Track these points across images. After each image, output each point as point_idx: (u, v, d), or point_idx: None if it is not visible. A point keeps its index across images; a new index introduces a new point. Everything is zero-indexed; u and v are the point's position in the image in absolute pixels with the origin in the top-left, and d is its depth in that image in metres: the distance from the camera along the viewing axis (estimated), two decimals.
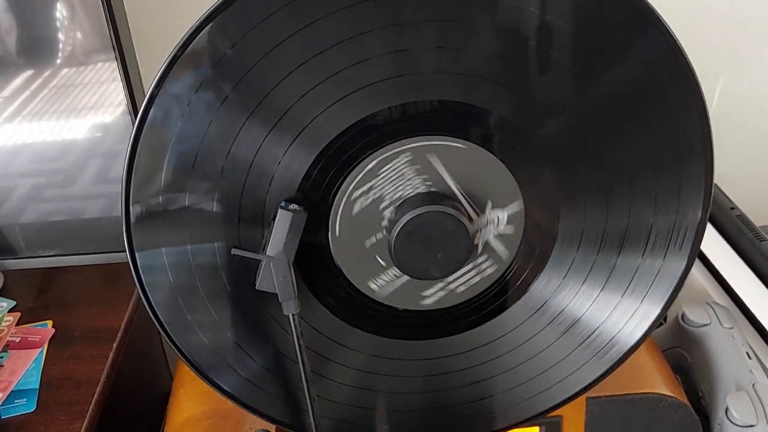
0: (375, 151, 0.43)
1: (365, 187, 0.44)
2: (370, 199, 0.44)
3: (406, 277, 0.46)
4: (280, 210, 0.42)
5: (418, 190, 0.44)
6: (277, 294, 0.43)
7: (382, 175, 0.44)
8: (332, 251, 0.45)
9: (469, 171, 0.44)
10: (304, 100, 0.41)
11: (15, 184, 0.65)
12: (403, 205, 0.44)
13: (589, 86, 0.42)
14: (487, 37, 0.41)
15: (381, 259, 0.46)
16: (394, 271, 0.46)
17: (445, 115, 0.42)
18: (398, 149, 0.43)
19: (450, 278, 0.46)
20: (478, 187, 0.44)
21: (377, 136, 0.42)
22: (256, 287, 0.44)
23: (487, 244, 0.46)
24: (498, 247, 0.46)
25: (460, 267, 0.44)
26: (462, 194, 0.44)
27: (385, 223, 0.45)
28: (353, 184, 0.44)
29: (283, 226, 0.42)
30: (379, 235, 0.45)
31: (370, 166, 0.43)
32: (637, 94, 0.42)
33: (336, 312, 0.47)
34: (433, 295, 0.47)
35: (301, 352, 0.45)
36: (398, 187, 0.44)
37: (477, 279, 0.47)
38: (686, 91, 0.42)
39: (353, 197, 0.44)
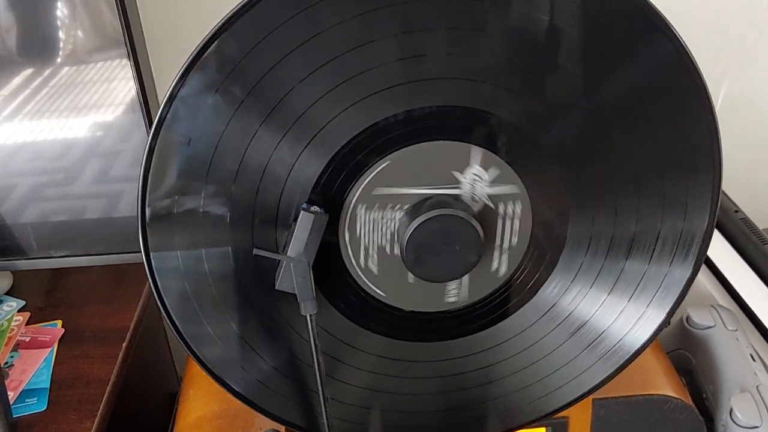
0: (385, 156, 0.43)
1: (374, 193, 0.44)
2: (378, 205, 0.45)
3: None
4: (302, 212, 0.43)
5: (425, 194, 0.45)
6: (293, 294, 0.44)
7: (390, 182, 0.44)
8: (343, 255, 0.46)
9: (430, 166, 0.44)
10: (317, 105, 0.42)
11: (25, 182, 0.65)
12: (412, 210, 0.44)
13: (597, 91, 0.42)
14: (496, 43, 0.41)
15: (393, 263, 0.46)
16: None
17: (453, 119, 0.43)
18: (405, 154, 0.43)
19: (498, 241, 0.46)
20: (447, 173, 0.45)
21: (387, 140, 0.43)
22: (276, 287, 0.44)
23: (493, 196, 0.45)
24: (502, 189, 0.45)
25: (472, 267, 0.45)
26: (434, 188, 0.45)
27: (395, 228, 0.45)
28: (363, 190, 0.44)
29: (304, 227, 0.43)
30: (391, 241, 0.46)
31: (378, 172, 0.44)
32: (645, 98, 0.42)
33: (347, 314, 0.48)
34: (501, 265, 0.47)
35: (317, 353, 0.45)
36: (406, 192, 0.44)
37: (517, 223, 0.46)
38: (694, 96, 0.42)
39: (363, 203, 0.45)
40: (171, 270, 0.45)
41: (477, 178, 0.44)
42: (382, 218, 0.45)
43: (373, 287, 0.47)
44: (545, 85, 0.42)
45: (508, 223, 0.46)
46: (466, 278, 0.47)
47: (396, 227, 0.45)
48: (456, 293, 0.48)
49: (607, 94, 0.42)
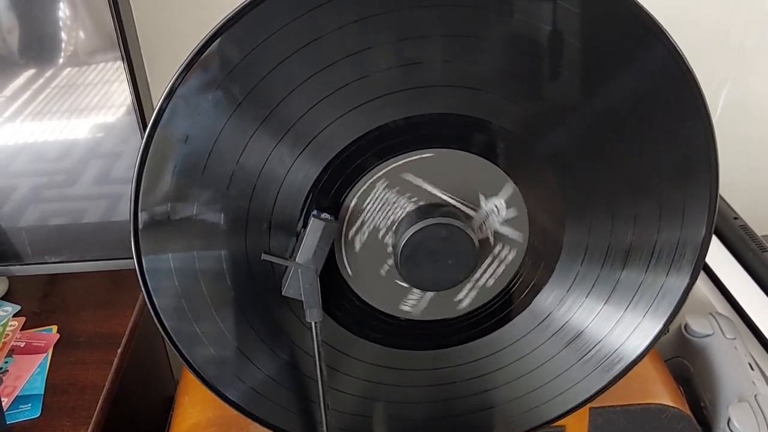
0: (381, 163, 0.43)
1: (359, 222, 0.44)
2: (366, 233, 0.45)
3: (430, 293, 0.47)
4: (312, 218, 0.43)
5: (408, 209, 0.45)
6: (299, 300, 0.44)
7: (370, 206, 0.44)
8: (338, 262, 0.46)
9: (463, 178, 0.44)
10: (314, 110, 0.41)
11: (25, 183, 0.65)
12: (400, 227, 0.44)
13: (594, 99, 0.42)
14: (494, 51, 0.41)
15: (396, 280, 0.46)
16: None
17: (451, 127, 0.43)
18: (397, 165, 0.43)
19: (476, 276, 0.47)
20: (474, 193, 0.45)
21: (385, 148, 0.43)
22: (283, 293, 0.44)
23: (497, 234, 0.46)
24: (509, 232, 0.46)
25: (472, 271, 0.44)
26: (454, 199, 0.45)
27: (389, 249, 0.45)
28: (361, 195, 0.44)
29: (314, 234, 0.43)
30: (389, 261, 0.46)
31: (355, 202, 0.44)
32: (641, 106, 0.42)
33: (342, 322, 0.48)
34: (465, 298, 0.48)
35: (320, 361, 0.45)
36: (389, 211, 0.44)
37: (501, 268, 0.47)
38: (691, 104, 0.42)
39: (351, 234, 0.45)
40: (163, 273, 0.44)
41: (495, 211, 0.44)
42: (373, 246, 0.45)
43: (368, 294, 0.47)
44: (542, 92, 0.42)
45: (495, 264, 0.46)
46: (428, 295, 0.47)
47: (389, 250, 0.45)
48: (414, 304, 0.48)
49: (604, 100, 0.42)
